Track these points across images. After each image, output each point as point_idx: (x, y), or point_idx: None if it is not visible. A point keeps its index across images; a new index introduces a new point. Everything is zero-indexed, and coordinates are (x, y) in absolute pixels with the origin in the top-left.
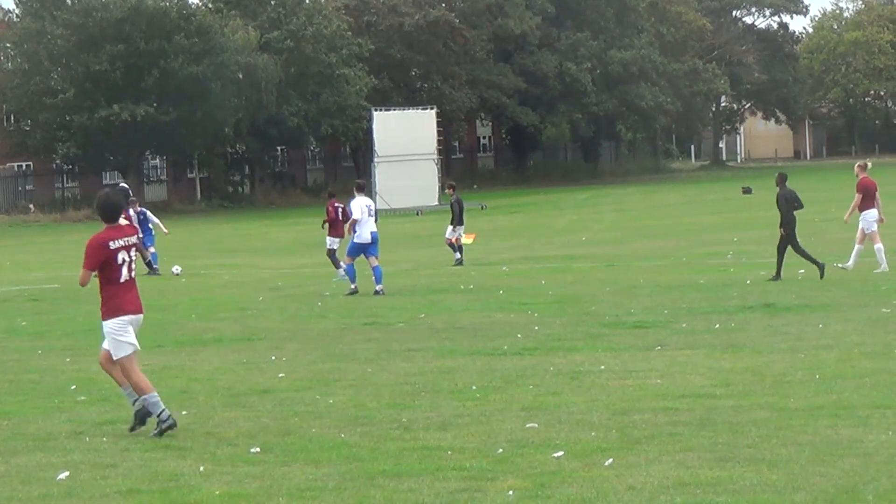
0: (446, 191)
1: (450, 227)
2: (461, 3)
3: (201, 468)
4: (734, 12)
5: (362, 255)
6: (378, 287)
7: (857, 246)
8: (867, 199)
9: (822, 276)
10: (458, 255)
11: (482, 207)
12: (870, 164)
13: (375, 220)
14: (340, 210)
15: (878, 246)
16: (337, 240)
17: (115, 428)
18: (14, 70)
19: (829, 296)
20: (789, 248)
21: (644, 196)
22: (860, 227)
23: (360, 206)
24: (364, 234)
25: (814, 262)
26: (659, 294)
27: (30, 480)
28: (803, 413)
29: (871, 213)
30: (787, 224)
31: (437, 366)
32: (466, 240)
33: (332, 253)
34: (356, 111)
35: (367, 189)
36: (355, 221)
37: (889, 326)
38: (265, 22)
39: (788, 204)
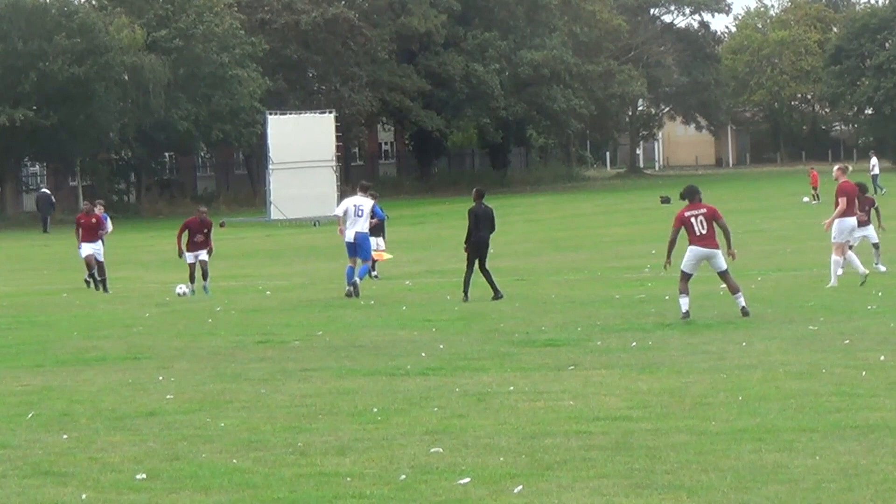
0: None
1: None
2: None
3: (83, 496)
4: (652, 11)
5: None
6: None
7: (849, 254)
8: (850, 205)
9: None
10: (373, 272)
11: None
12: (850, 168)
13: (368, 220)
14: None
15: (836, 259)
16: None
17: None
18: None
19: (753, 312)
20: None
21: (556, 205)
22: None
23: (345, 204)
24: (349, 234)
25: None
26: (572, 310)
27: None
28: (725, 437)
29: (850, 222)
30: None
31: (335, 386)
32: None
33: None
34: (250, 115)
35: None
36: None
37: (816, 345)
38: (152, 20)
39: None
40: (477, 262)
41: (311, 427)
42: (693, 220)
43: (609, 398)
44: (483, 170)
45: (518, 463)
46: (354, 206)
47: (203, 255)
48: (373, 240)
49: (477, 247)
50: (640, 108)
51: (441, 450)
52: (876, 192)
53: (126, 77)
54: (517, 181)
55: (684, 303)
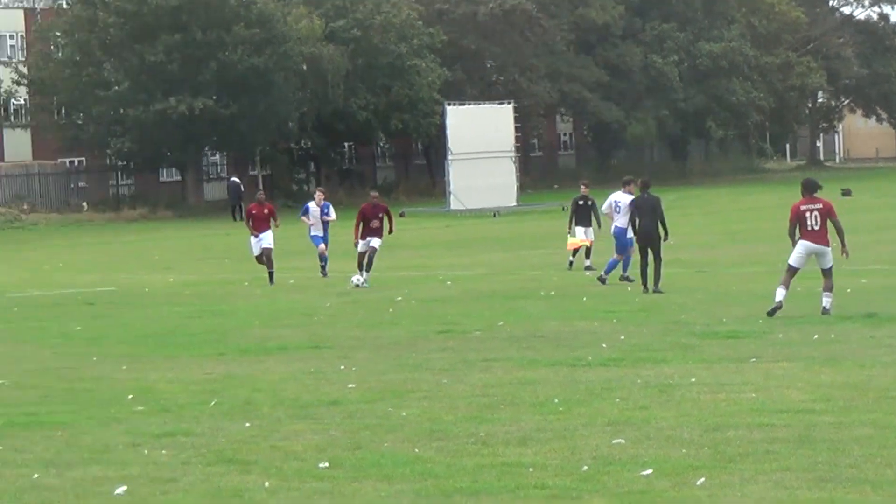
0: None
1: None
2: None
3: (266, 484)
4: (830, 2)
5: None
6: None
7: None
8: None
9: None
10: (587, 261)
11: (563, 209)
12: None
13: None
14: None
15: None
16: None
17: (175, 440)
18: (65, 60)
19: None
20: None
21: (736, 197)
22: None
23: (609, 199)
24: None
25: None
26: (752, 302)
27: (85, 495)
28: None
29: None
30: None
31: (516, 377)
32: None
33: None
34: (428, 105)
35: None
36: None
37: None
38: (330, 10)
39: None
40: (651, 251)
41: (492, 417)
42: (808, 213)
43: (791, 391)
44: (662, 161)
45: (700, 455)
46: (614, 202)
47: (375, 241)
48: (579, 229)
49: (643, 236)
50: (820, 101)
51: (623, 441)
52: None
53: (305, 67)
54: (696, 173)
55: (780, 293)
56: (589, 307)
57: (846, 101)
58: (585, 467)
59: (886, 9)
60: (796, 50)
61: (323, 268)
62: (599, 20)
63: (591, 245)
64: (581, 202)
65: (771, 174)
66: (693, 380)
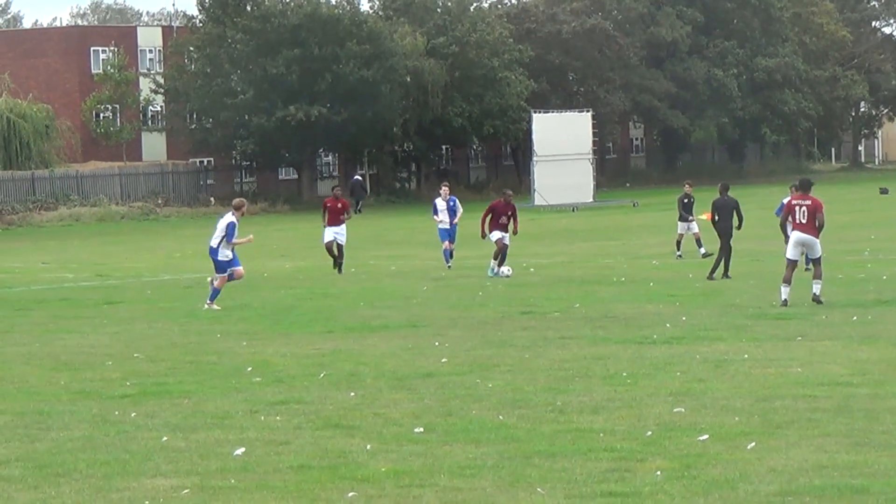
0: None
1: (680, 224)
2: (616, 11)
3: (368, 446)
4: (873, 23)
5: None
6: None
7: None
8: None
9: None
10: (701, 249)
11: (634, 205)
12: None
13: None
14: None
15: None
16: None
17: (289, 408)
18: (197, 72)
19: None
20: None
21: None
22: None
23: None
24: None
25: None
26: (799, 288)
27: (208, 455)
28: None
29: None
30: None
31: (590, 353)
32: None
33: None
34: (517, 113)
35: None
36: None
37: None
38: (432, 28)
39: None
40: (726, 244)
41: (568, 388)
42: (797, 208)
43: (832, 366)
44: (722, 163)
45: (751, 422)
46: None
47: (506, 238)
48: (681, 224)
49: (721, 233)
50: (862, 110)
51: (683, 410)
52: None
53: (408, 79)
54: (753, 173)
55: (784, 292)
56: (655, 291)
57: (885, 111)
58: (649, 433)
59: None
60: (842, 65)
61: (448, 258)
62: (668, 38)
63: (698, 235)
64: (686, 199)
65: (818, 174)
66: (745, 356)
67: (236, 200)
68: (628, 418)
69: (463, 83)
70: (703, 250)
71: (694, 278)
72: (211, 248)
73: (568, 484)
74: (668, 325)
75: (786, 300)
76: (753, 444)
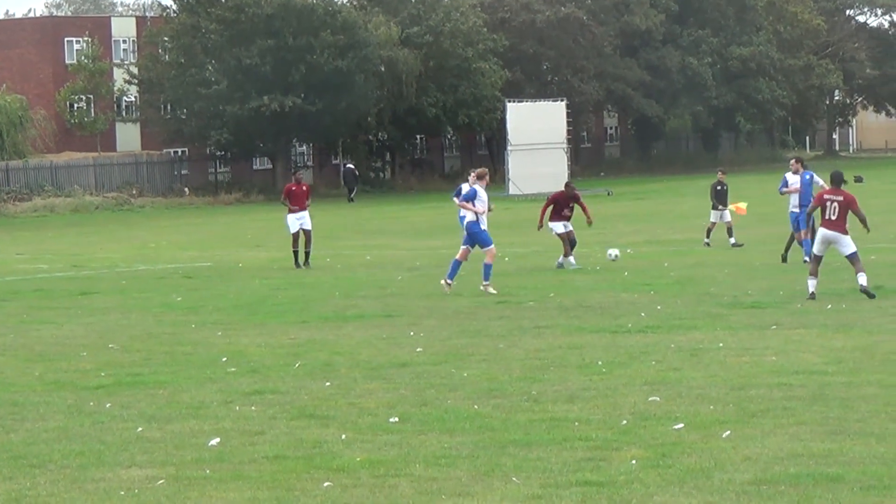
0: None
1: (713, 212)
2: (590, 0)
3: (343, 436)
4: (847, 11)
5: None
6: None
7: None
8: None
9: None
10: (731, 239)
11: (608, 194)
12: None
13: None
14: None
15: None
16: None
17: (264, 398)
18: (171, 62)
19: None
20: None
21: (762, 184)
22: None
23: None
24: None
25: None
26: (775, 276)
27: (183, 446)
28: None
29: None
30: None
31: (565, 342)
32: (739, 212)
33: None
34: (491, 102)
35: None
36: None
37: None
38: (406, 18)
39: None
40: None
41: (543, 378)
42: (829, 203)
43: (807, 354)
44: (696, 152)
45: (726, 411)
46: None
47: (571, 226)
48: (713, 213)
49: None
50: (836, 98)
51: (658, 399)
52: None
53: (383, 69)
54: (727, 162)
55: (811, 284)
56: (630, 280)
57: (859, 99)
58: (625, 422)
59: None
60: (816, 53)
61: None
62: (642, 26)
63: (730, 225)
64: (719, 187)
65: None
66: (720, 345)
67: (479, 170)
68: (603, 407)
69: (437, 73)
70: (733, 240)
71: (669, 267)
72: (470, 223)
73: (543, 473)
74: (643, 314)
75: (813, 293)
76: (728, 432)
